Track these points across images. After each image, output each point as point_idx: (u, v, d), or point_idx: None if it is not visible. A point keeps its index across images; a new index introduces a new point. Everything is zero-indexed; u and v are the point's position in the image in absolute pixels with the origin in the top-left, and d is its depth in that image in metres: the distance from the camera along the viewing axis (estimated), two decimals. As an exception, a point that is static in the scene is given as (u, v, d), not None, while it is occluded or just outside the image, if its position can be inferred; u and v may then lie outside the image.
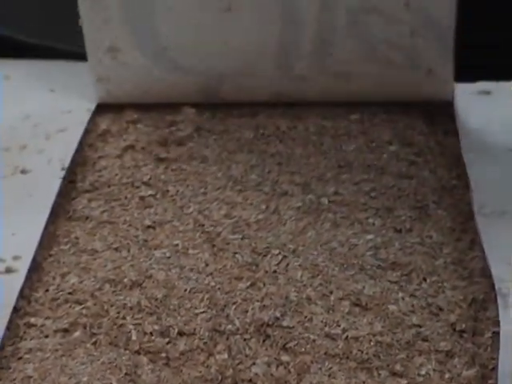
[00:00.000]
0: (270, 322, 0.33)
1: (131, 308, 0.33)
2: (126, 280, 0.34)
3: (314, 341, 0.33)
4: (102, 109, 0.42)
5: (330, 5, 0.42)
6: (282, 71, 0.43)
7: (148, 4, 0.42)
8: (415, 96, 0.43)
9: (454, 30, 0.41)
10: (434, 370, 0.34)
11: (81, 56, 0.42)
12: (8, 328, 0.34)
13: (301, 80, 0.43)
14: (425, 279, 0.34)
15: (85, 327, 0.34)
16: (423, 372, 0.33)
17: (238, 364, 0.32)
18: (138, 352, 0.33)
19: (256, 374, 0.32)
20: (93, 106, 0.42)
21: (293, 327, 0.33)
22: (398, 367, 0.33)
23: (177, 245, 0.35)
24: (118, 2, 0.42)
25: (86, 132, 0.41)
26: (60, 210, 0.36)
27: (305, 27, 0.42)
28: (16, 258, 0.34)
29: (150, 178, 0.38)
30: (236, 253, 0.34)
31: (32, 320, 0.34)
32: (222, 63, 0.43)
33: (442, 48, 0.41)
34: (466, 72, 0.42)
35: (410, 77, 0.42)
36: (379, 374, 0.33)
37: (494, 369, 0.31)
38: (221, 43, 0.42)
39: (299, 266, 0.34)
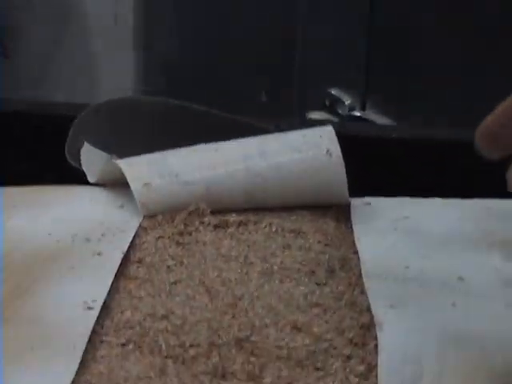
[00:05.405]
0: (244, 338, 0.44)
1: (162, 331, 0.44)
2: (159, 314, 0.46)
3: (269, 349, 0.43)
4: (145, 218, 0.55)
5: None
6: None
7: None
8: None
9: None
10: (340, 366, 0.43)
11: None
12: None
13: None
14: (334, 312, 0.46)
15: (134, 343, 0.44)
16: (334, 367, 0.43)
17: (225, 363, 0.43)
18: (165, 357, 0.43)
19: (236, 369, 0.42)
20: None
21: (257, 341, 0.44)
22: (319, 364, 0.43)
23: (188, 293, 0.47)
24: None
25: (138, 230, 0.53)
26: (120, 273, 0.49)
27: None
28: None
29: (173, 254, 0.50)
30: (223, 298, 0.47)
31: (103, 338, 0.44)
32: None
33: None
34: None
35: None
36: (308, 369, 0.43)
37: (376, 365, 0.42)
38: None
39: (260, 306, 0.46)
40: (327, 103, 0.85)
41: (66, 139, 0.59)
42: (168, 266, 0.49)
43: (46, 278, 0.48)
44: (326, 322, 0.45)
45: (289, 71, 0.88)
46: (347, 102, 0.88)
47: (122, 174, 0.56)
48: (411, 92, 0.86)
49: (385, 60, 0.90)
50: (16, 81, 1.21)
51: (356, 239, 0.52)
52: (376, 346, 0.43)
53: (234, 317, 0.46)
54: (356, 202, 0.57)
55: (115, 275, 0.48)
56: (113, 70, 1.03)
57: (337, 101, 0.85)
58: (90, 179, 0.59)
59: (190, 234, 0.52)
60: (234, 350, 0.43)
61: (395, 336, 0.44)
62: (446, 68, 0.86)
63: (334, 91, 0.83)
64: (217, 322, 0.45)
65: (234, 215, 0.54)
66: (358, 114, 0.87)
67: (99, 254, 0.51)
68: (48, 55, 1.25)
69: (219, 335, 0.44)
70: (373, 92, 0.88)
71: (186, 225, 0.53)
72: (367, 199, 0.58)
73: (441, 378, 0.41)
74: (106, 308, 0.46)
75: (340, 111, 0.85)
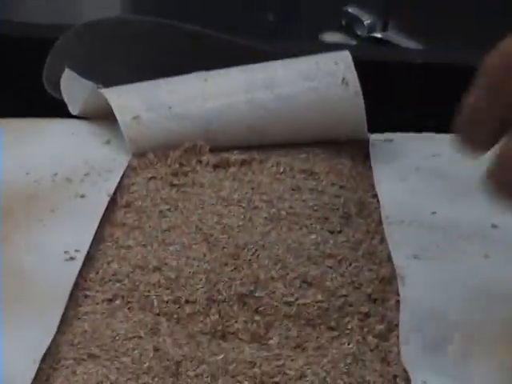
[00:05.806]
0: (247, 294, 0.41)
1: (153, 284, 0.41)
2: (150, 266, 0.43)
3: (276, 306, 0.41)
4: (134, 156, 0.51)
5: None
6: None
7: None
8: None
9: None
10: (356, 325, 0.40)
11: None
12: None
13: None
14: (350, 264, 0.43)
15: (122, 298, 0.41)
16: (349, 327, 0.40)
17: (226, 322, 0.40)
18: (158, 314, 0.41)
19: (238, 329, 0.40)
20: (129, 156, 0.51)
21: (262, 297, 0.41)
22: (332, 324, 0.40)
23: (184, 242, 0.44)
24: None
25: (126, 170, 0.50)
26: (105, 219, 0.46)
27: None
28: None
29: (166, 198, 0.47)
30: (224, 247, 0.44)
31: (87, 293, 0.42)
32: None
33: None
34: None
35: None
36: (320, 329, 0.40)
37: (397, 324, 0.40)
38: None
39: (266, 256, 0.43)
40: (343, 23, 0.80)
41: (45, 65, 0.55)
42: (160, 211, 0.46)
43: (25, 224, 0.46)
44: (341, 275, 0.43)
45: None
46: (366, 22, 0.83)
47: (108, 106, 0.52)
48: (440, 8, 0.80)
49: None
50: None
51: (375, 181, 0.49)
52: (397, 302, 0.41)
53: (235, 269, 0.43)
54: (376, 138, 0.53)
55: (100, 221, 0.45)
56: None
57: (354, 20, 0.80)
58: (72, 111, 0.55)
59: (186, 174, 0.49)
60: (235, 307, 0.41)
61: (419, 291, 0.41)
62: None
63: (351, 9, 0.78)
64: (216, 275, 0.42)
65: (236, 153, 0.50)
66: (378, 35, 0.82)
67: (82, 196, 0.48)
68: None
69: (219, 290, 0.41)
70: (396, 10, 0.83)
71: (181, 164, 0.50)
72: (388, 135, 0.54)
73: (470, 337, 0.39)
74: (89, 259, 0.44)
75: (358, 32, 0.80)
